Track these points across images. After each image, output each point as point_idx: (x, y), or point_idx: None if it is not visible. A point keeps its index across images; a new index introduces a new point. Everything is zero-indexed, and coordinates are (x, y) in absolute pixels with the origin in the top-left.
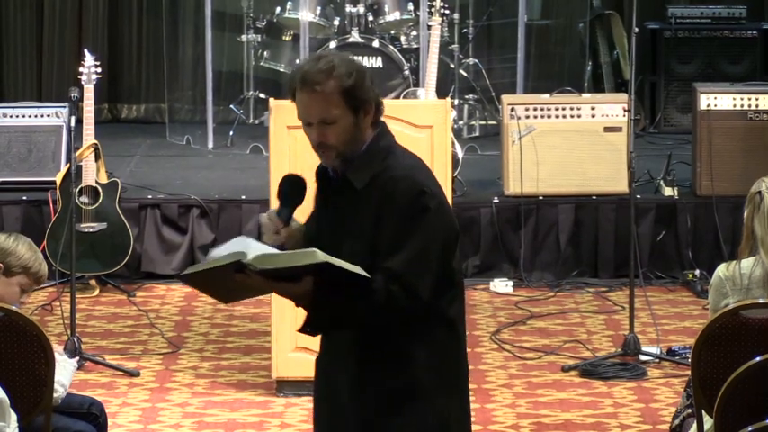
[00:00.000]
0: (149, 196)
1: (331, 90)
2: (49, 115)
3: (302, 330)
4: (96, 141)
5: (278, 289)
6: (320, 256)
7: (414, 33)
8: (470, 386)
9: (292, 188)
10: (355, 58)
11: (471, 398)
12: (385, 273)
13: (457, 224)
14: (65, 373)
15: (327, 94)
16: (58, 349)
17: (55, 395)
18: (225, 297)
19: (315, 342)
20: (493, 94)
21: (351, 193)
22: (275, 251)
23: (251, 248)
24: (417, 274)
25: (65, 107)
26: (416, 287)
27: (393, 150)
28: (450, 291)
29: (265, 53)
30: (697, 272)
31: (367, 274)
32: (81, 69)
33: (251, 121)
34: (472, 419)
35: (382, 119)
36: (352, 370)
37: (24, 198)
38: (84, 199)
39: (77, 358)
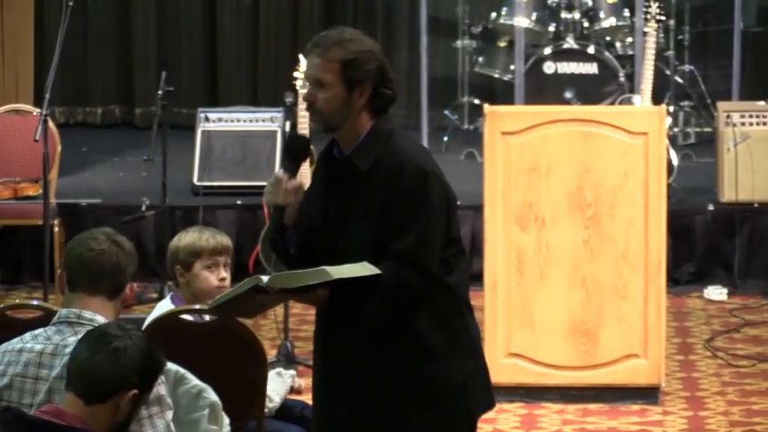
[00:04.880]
0: None
1: (331, 56)
2: (263, 120)
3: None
4: (311, 146)
5: (296, 299)
6: (330, 273)
7: (629, 40)
8: (683, 394)
9: (299, 145)
10: (576, 63)
11: (684, 405)
12: (395, 255)
13: (454, 194)
14: (282, 385)
15: (327, 59)
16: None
17: (270, 405)
18: (248, 315)
19: (528, 348)
20: (708, 100)
21: (355, 174)
22: (284, 272)
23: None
24: (426, 255)
25: (280, 112)
26: (426, 267)
27: (394, 135)
28: (448, 261)
29: (480, 59)
30: None
31: (377, 271)
32: (296, 74)
33: (465, 126)
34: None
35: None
36: (357, 341)
37: (239, 202)
38: None
39: (293, 371)
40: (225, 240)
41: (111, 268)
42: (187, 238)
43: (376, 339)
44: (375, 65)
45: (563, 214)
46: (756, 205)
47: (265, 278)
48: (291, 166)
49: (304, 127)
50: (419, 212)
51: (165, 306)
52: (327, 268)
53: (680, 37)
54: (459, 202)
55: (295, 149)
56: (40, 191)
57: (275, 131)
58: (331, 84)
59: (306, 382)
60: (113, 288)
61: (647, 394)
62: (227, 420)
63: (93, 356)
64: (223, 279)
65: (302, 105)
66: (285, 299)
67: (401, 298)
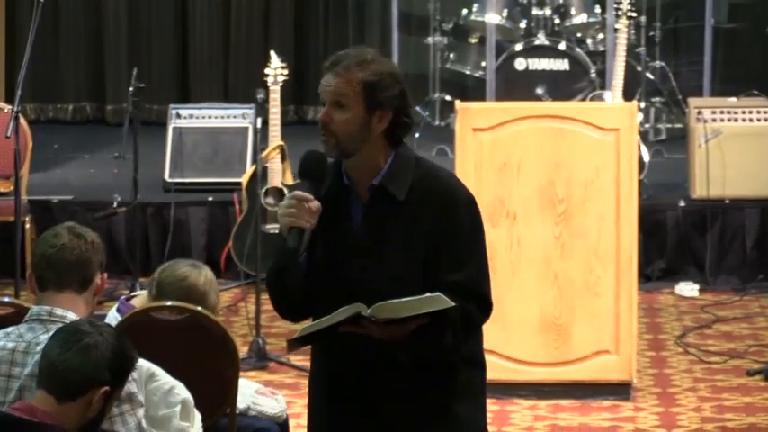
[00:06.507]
0: None
1: (354, 77)
2: (235, 116)
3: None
4: (282, 143)
5: (388, 332)
6: (446, 299)
7: (600, 36)
8: (655, 390)
9: (319, 163)
10: (547, 59)
11: (655, 401)
12: (454, 287)
13: None
14: (269, 401)
15: (349, 79)
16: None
17: (240, 406)
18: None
19: (500, 344)
20: (680, 96)
21: (390, 204)
22: (392, 301)
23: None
24: (485, 286)
25: (251, 108)
26: (487, 298)
27: (420, 159)
28: None
29: (451, 55)
30: None
31: (452, 303)
32: (267, 71)
33: (437, 123)
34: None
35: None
36: (400, 377)
37: (210, 199)
38: (270, 200)
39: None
40: None
41: (74, 261)
42: (213, 294)
43: (403, 378)
44: (397, 90)
45: (534, 210)
46: (727, 201)
47: (368, 308)
48: (314, 185)
49: (275, 125)
50: (474, 244)
51: (111, 318)
52: (441, 295)
53: (651, 33)
54: None
55: (316, 168)
56: (11, 187)
57: (246, 128)
58: (350, 105)
59: (278, 378)
60: (81, 281)
61: (619, 390)
62: (199, 417)
63: (64, 353)
64: None
65: (273, 102)
66: (374, 332)
67: (464, 331)
